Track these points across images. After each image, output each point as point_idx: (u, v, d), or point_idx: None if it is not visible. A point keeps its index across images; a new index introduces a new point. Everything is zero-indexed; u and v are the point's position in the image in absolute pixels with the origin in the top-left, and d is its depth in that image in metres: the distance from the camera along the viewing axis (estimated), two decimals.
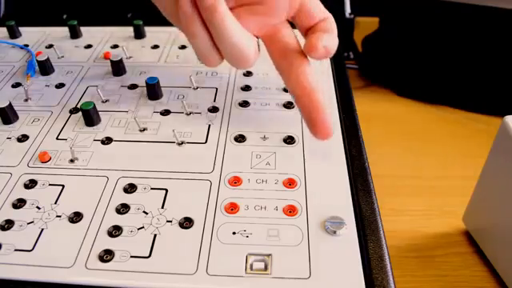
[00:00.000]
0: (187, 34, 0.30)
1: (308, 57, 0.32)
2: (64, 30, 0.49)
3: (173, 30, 0.49)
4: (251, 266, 0.26)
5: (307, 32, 0.33)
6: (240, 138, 0.35)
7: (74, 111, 0.38)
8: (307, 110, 0.31)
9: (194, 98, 0.39)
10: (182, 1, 0.28)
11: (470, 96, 0.57)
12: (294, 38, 0.33)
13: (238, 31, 0.29)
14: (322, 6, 0.33)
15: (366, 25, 0.68)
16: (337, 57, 0.45)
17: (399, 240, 0.41)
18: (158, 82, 0.39)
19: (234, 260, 0.26)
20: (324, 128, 0.31)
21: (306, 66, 0.31)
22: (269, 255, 0.26)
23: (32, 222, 0.29)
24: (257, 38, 0.32)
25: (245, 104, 0.38)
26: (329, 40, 0.31)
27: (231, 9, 0.30)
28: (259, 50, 0.32)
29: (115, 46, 0.47)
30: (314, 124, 0.31)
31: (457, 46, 0.54)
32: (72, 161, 0.33)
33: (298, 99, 0.31)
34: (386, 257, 0.26)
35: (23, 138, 0.35)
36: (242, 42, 0.29)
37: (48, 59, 0.43)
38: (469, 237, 0.41)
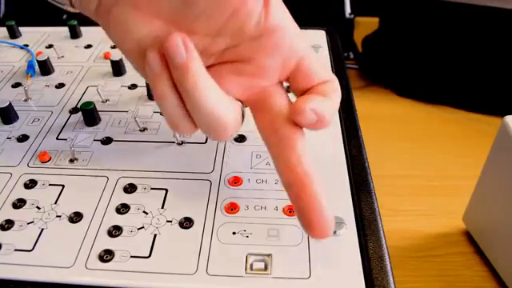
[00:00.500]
0: (154, 94, 0.25)
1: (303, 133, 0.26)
2: (64, 30, 0.49)
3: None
4: (251, 266, 0.26)
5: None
6: (240, 138, 0.35)
7: (73, 111, 0.38)
8: (299, 203, 0.24)
9: None
10: (150, 55, 0.23)
11: (470, 96, 0.57)
12: (287, 106, 0.26)
13: (214, 96, 0.24)
14: (325, 68, 0.27)
15: (366, 25, 0.69)
16: (337, 57, 0.45)
17: (399, 240, 0.41)
18: None
19: (234, 260, 0.26)
20: (320, 228, 0.24)
21: (299, 145, 0.25)
22: (269, 255, 0.26)
23: (32, 222, 0.29)
24: (241, 102, 0.27)
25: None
26: (322, 104, 0.25)
27: (212, 66, 0.26)
28: (243, 118, 0.26)
29: (115, 46, 0.47)
30: (307, 223, 0.24)
31: (457, 46, 0.54)
32: (72, 161, 0.33)
33: (287, 186, 0.25)
34: (386, 257, 0.26)
35: (23, 138, 0.35)
36: (219, 109, 0.24)
37: (48, 59, 0.43)
38: (469, 237, 0.41)
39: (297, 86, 0.27)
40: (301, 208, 0.24)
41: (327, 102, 0.25)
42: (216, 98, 0.24)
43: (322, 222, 0.24)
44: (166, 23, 0.24)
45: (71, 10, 0.28)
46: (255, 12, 0.24)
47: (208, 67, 0.25)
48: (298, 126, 0.26)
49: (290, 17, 0.26)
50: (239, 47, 0.25)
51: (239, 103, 0.26)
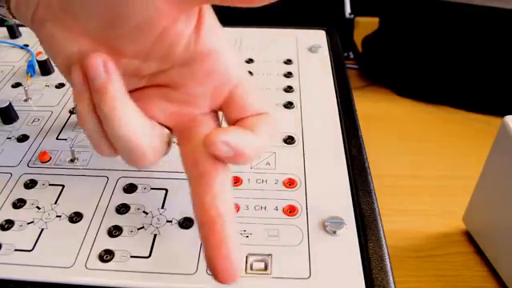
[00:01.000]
0: (77, 110, 0.24)
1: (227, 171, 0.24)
2: None
3: None
4: (251, 265, 0.26)
5: None
6: None
7: (74, 111, 0.38)
8: (207, 245, 0.22)
9: None
10: (74, 73, 0.23)
11: (470, 96, 0.57)
12: None
13: (132, 123, 0.23)
14: (260, 97, 0.25)
15: (366, 25, 0.69)
16: (337, 57, 0.45)
17: (399, 240, 0.41)
18: None
19: None
20: (225, 274, 0.22)
21: (218, 182, 0.23)
22: (269, 255, 0.26)
23: (32, 222, 0.29)
24: (169, 129, 0.26)
25: None
26: (239, 137, 0.23)
27: (143, 88, 0.25)
28: (169, 146, 0.25)
29: None
30: (212, 267, 0.22)
31: (457, 46, 0.54)
32: (72, 161, 0.33)
33: (199, 225, 0.23)
34: (386, 257, 0.26)
35: (23, 138, 0.35)
36: (137, 138, 0.23)
37: (48, 59, 0.43)
38: (469, 237, 0.41)
39: (229, 116, 0.25)
40: (208, 251, 0.22)
41: (249, 136, 0.24)
42: (134, 126, 0.23)
43: (227, 269, 0.22)
44: (95, 43, 0.23)
45: (10, 18, 0.27)
46: (184, 34, 0.22)
47: (139, 89, 0.25)
48: (220, 161, 0.24)
49: (227, 41, 0.24)
50: (170, 72, 0.24)
51: (165, 131, 0.25)
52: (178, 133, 0.26)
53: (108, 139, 0.24)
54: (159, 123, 0.25)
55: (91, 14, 0.22)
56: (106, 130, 0.23)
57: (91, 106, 0.23)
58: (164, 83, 0.25)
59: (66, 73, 0.24)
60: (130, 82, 0.24)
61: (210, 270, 0.22)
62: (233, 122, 0.25)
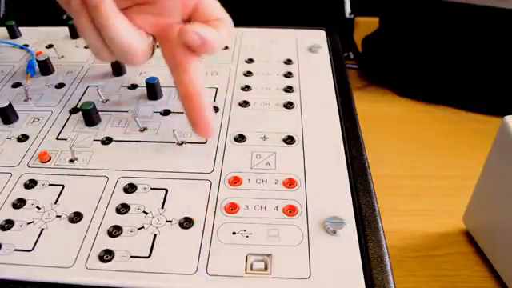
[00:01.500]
0: (77, 28, 0.31)
1: (199, 59, 0.33)
2: (64, 30, 0.49)
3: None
4: (251, 265, 0.26)
5: None
6: (240, 138, 0.35)
7: (73, 111, 0.38)
8: (189, 111, 0.32)
9: None
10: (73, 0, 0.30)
11: (469, 96, 0.57)
12: None
13: (123, 29, 0.30)
14: (220, 8, 0.34)
15: (366, 25, 0.69)
16: (337, 57, 0.45)
17: (399, 240, 0.41)
18: (158, 82, 0.39)
19: (234, 260, 0.26)
20: (204, 128, 0.32)
21: (192, 68, 0.32)
22: (269, 255, 0.26)
23: (32, 222, 0.29)
24: (153, 38, 0.33)
25: (245, 104, 0.38)
26: (206, 31, 0.31)
27: (126, 8, 0.31)
28: (153, 51, 0.33)
29: None
30: (194, 124, 0.32)
31: (457, 46, 0.54)
32: (72, 161, 0.33)
33: (182, 100, 0.32)
34: (386, 257, 0.26)
35: (23, 138, 0.35)
36: (128, 40, 0.30)
37: (48, 59, 0.43)
38: (469, 237, 0.41)
39: (197, 19, 0.33)
40: (190, 115, 0.32)
41: (213, 31, 0.31)
42: (125, 32, 0.30)
43: (205, 123, 0.32)
44: None
45: None
46: None
47: (125, 9, 0.31)
48: (192, 53, 0.32)
49: None
50: None
51: (149, 37, 0.33)
52: (159, 38, 0.34)
53: (107, 46, 0.31)
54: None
55: None
56: (104, 37, 0.30)
57: (90, 22, 0.30)
58: (142, 2, 0.32)
59: (65, 3, 0.31)
60: (119, 3, 0.30)
61: (193, 128, 0.32)
62: None
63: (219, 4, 0.34)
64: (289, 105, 0.38)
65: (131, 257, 0.26)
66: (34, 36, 0.49)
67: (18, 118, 0.37)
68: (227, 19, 0.34)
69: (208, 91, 0.40)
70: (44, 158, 0.33)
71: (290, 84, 0.40)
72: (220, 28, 0.32)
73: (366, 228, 0.28)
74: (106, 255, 0.26)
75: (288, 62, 0.44)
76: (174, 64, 0.33)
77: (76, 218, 0.29)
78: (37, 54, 0.43)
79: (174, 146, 0.34)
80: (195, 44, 0.31)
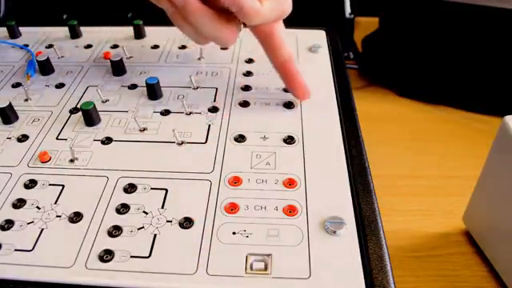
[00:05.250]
0: (176, 24, 0.35)
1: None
2: (64, 30, 0.49)
3: (173, 30, 0.49)
4: (251, 265, 0.26)
5: None
6: (240, 138, 0.35)
7: (73, 111, 0.38)
8: (285, 78, 0.38)
9: (194, 98, 0.39)
10: (163, 4, 0.34)
11: (470, 96, 0.57)
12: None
13: (212, 25, 0.33)
14: None
15: (366, 25, 0.69)
16: (337, 57, 0.45)
17: (399, 240, 0.41)
18: (157, 82, 0.39)
19: (234, 260, 0.26)
20: (303, 92, 0.38)
21: (275, 38, 0.36)
22: (269, 255, 0.26)
23: (32, 222, 0.29)
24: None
25: (245, 104, 0.38)
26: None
27: None
28: (241, 27, 0.36)
29: (115, 46, 0.47)
30: (293, 89, 0.38)
31: (457, 46, 0.54)
32: (72, 161, 0.33)
33: (276, 68, 0.38)
34: (386, 257, 0.26)
35: (23, 138, 0.35)
36: (218, 33, 0.34)
37: (48, 59, 0.43)
38: (469, 237, 0.41)
39: None
40: (287, 81, 0.38)
41: (253, 0, 0.33)
42: (214, 22, 0.33)
43: (302, 87, 0.38)
44: None
45: None
46: None
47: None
48: (271, 25, 0.36)
49: None
50: None
51: (235, 21, 0.35)
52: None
53: (202, 35, 0.35)
54: (228, 12, 0.34)
55: None
56: (196, 30, 0.34)
57: (183, 19, 0.34)
58: None
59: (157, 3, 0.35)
60: None
61: (293, 94, 0.39)
62: None
63: None
64: (289, 105, 0.38)
65: (131, 257, 0.26)
66: (34, 36, 0.49)
67: (17, 117, 0.37)
68: None
69: (208, 91, 0.40)
70: (44, 158, 0.33)
71: None
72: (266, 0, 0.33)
73: (366, 228, 0.28)
74: (106, 255, 0.26)
75: None
76: (259, 37, 0.37)
77: (76, 218, 0.29)
78: (37, 54, 0.43)
79: (174, 145, 0.34)
80: (232, 9, 0.32)
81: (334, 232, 0.27)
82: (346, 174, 0.32)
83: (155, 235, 0.28)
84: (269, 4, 0.34)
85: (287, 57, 0.37)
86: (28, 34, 0.50)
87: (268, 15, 0.34)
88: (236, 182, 0.31)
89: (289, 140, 0.34)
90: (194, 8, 0.33)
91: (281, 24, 0.37)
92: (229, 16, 0.34)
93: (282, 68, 0.37)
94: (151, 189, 0.31)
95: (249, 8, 0.32)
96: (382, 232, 0.28)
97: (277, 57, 0.37)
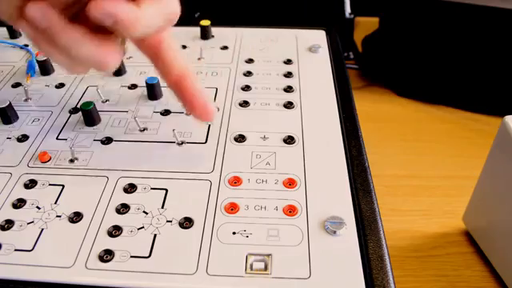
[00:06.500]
0: (40, 49, 0.29)
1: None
2: None
3: (172, 30, 0.49)
4: (251, 266, 0.26)
5: None
6: (240, 138, 0.35)
7: (73, 111, 0.38)
8: (181, 98, 0.32)
9: None
10: (20, 26, 0.27)
11: (469, 96, 0.57)
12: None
13: (87, 44, 0.27)
14: None
15: (366, 25, 0.69)
16: (337, 57, 0.45)
17: (399, 240, 0.41)
18: (158, 82, 0.39)
19: (234, 260, 0.26)
20: (207, 112, 0.32)
21: (164, 50, 0.31)
22: (269, 255, 0.26)
23: (32, 222, 0.29)
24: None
25: (245, 104, 0.38)
26: (117, 6, 0.25)
27: (80, 10, 0.27)
28: (125, 46, 0.30)
29: None
30: (194, 111, 0.32)
31: (457, 46, 0.54)
32: (72, 161, 0.33)
33: (170, 87, 0.32)
34: (386, 257, 0.26)
35: (23, 138, 0.35)
36: (94, 54, 0.27)
37: (48, 59, 0.43)
38: (469, 237, 0.41)
39: None
40: (183, 102, 0.32)
41: (128, 6, 0.26)
42: (88, 44, 0.27)
43: (207, 111, 0.32)
44: None
45: None
46: None
47: (78, 13, 0.27)
48: (156, 37, 0.30)
49: None
50: None
51: (116, 40, 0.29)
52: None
53: (77, 61, 0.28)
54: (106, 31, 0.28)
55: None
56: (69, 55, 0.27)
57: (50, 44, 0.27)
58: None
59: (13, 23, 0.28)
60: (68, 11, 0.27)
61: (195, 116, 0.32)
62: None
63: None
64: (289, 105, 0.38)
65: (131, 257, 0.26)
66: None
67: (18, 117, 0.37)
68: None
69: (208, 91, 0.40)
70: (44, 158, 0.33)
71: (290, 84, 0.40)
72: (145, 3, 0.27)
73: (366, 228, 0.28)
74: (106, 255, 0.26)
75: (288, 62, 0.44)
76: (146, 53, 0.31)
77: (76, 217, 0.29)
78: (37, 54, 0.43)
79: (174, 145, 0.34)
80: (107, 22, 0.26)
81: (334, 232, 0.27)
82: (346, 174, 0.32)
83: (155, 235, 0.28)
84: (149, 9, 0.27)
85: (181, 72, 0.31)
86: None
87: (151, 22, 0.28)
88: (236, 182, 0.31)
89: (289, 140, 0.34)
90: (60, 28, 0.26)
91: (169, 33, 0.31)
92: (106, 33, 0.28)
93: (176, 87, 0.31)
94: (151, 189, 0.31)
95: (124, 17, 0.26)
96: (382, 232, 0.28)
97: (168, 73, 0.31)
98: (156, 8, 0.28)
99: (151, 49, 0.31)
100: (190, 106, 0.32)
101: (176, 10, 0.29)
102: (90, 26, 0.27)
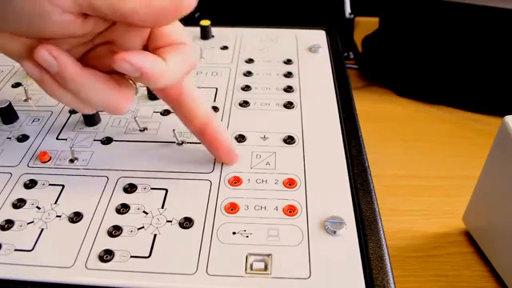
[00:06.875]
0: (47, 93, 0.28)
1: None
2: None
3: None
4: (251, 266, 0.26)
5: None
6: (240, 138, 0.35)
7: (74, 111, 0.38)
8: (207, 144, 0.32)
9: None
10: (27, 67, 0.26)
11: (469, 96, 0.57)
12: None
13: (98, 87, 0.27)
14: (179, 31, 0.28)
15: (366, 25, 0.69)
16: (337, 57, 0.45)
17: (399, 240, 0.41)
18: None
19: (234, 260, 0.26)
20: (232, 157, 0.32)
21: (184, 97, 0.30)
22: (269, 255, 0.26)
23: (32, 222, 0.29)
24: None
25: (245, 104, 0.38)
26: (143, 59, 0.25)
27: (91, 50, 0.28)
28: (136, 90, 0.30)
29: None
30: (220, 157, 0.32)
31: (457, 46, 0.54)
32: (72, 161, 0.33)
33: (194, 134, 0.32)
34: (386, 257, 0.26)
35: (23, 138, 0.35)
36: (106, 97, 0.27)
37: None
38: (469, 237, 0.41)
39: (150, 45, 0.28)
40: (209, 147, 0.32)
41: (154, 59, 0.26)
42: (101, 88, 0.27)
43: (232, 156, 0.32)
44: (33, 39, 0.26)
45: None
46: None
47: (89, 51, 0.28)
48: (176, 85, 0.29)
49: None
50: (105, 33, 0.27)
51: (128, 82, 0.28)
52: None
53: (87, 104, 0.28)
54: (119, 73, 0.27)
55: (20, 31, 0.25)
56: (79, 99, 0.27)
57: (58, 86, 0.27)
58: (102, 42, 0.28)
59: (18, 61, 0.27)
60: (79, 50, 0.27)
61: (218, 160, 0.32)
62: (152, 52, 0.27)
63: (180, 26, 0.28)
64: (289, 105, 0.38)
65: (131, 257, 0.26)
66: None
67: (18, 117, 0.37)
68: (185, 45, 0.28)
69: (208, 91, 0.40)
70: (44, 158, 0.33)
71: (290, 84, 0.40)
72: (169, 55, 0.27)
73: (366, 228, 0.28)
74: (106, 255, 0.26)
75: (288, 62, 0.44)
76: (166, 101, 0.31)
77: (76, 217, 0.29)
78: None
79: (174, 145, 0.34)
80: (132, 75, 0.26)
81: (334, 232, 0.27)
82: (346, 173, 0.32)
83: (155, 235, 0.28)
84: (174, 61, 0.27)
85: (203, 120, 0.30)
86: None
87: (176, 74, 0.27)
88: (236, 182, 0.31)
89: (289, 140, 0.34)
90: (73, 73, 0.26)
91: (188, 80, 0.30)
92: (119, 77, 0.28)
93: (200, 134, 0.31)
94: (151, 189, 0.31)
95: (151, 71, 0.25)
96: (382, 232, 0.28)
97: (190, 121, 0.31)
98: (180, 59, 0.27)
99: (171, 97, 0.30)
100: (215, 151, 0.32)
101: (195, 59, 0.29)
102: (98, 65, 0.27)
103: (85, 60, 0.28)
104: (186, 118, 0.31)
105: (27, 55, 0.26)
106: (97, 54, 0.28)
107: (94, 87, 0.27)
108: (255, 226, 0.28)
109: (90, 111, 0.30)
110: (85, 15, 0.25)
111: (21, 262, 0.26)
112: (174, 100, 0.30)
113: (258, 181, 0.31)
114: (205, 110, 0.31)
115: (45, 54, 0.25)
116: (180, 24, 0.28)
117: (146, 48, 0.28)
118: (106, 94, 0.27)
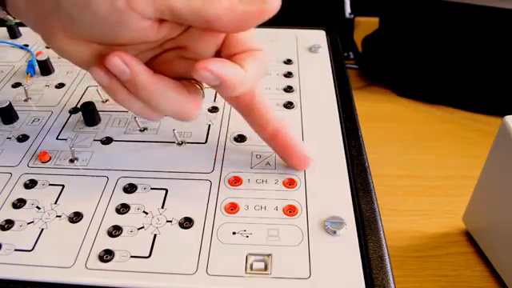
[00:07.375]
0: (115, 101, 0.28)
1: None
2: None
3: None
4: (251, 265, 0.26)
5: None
6: (240, 138, 0.35)
7: (73, 111, 0.38)
8: (279, 150, 0.31)
9: None
10: (94, 73, 0.26)
11: (470, 96, 0.57)
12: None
13: (169, 95, 0.26)
14: (252, 37, 0.27)
15: (366, 25, 0.69)
16: (337, 57, 0.45)
17: (399, 240, 0.41)
18: None
19: (234, 260, 0.26)
20: (304, 162, 0.31)
21: (256, 104, 0.29)
22: (269, 255, 0.26)
23: (32, 221, 0.29)
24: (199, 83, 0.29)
25: None
26: (223, 67, 0.25)
27: (158, 55, 0.28)
28: (203, 92, 0.29)
29: None
30: (291, 163, 0.31)
31: (457, 46, 0.54)
32: (72, 161, 0.33)
33: (266, 142, 0.31)
34: (386, 257, 0.26)
35: (23, 138, 0.35)
36: (177, 104, 0.27)
37: (48, 59, 0.43)
38: (469, 237, 0.41)
39: (224, 52, 0.27)
40: (282, 154, 0.31)
41: (233, 67, 0.26)
42: (172, 96, 0.27)
43: (305, 161, 0.31)
44: (104, 45, 0.26)
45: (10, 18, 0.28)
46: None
47: (155, 57, 0.28)
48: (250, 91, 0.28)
49: None
50: (176, 39, 0.27)
51: (196, 87, 0.28)
52: None
53: (157, 111, 0.28)
54: (186, 78, 0.28)
55: (94, 37, 0.25)
56: (149, 106, 0.27)
57: (128, 94, 0.26)
58: (172, 47, 0.27)
59: (85, 68, 0.27)
60: (147, 55, 0.27)
61: (290, 166, 0.31)
62: (227, 58, 0.27)
63: (253, 31, 0.27)
64: (289, 105, 0.38)
65: (131, 257, 0.26)
66: (34, 36, 0.49)
67: (18, 117, 0.37)
68: (259, 51, 0.27)
69: (208, 91, 0.40)
70: (44, 158, 0.33)
71: (290, 84, 0.40)
72: (246, 62, 0.26)
73: (366, 228, 0.28)
74: (106, 255, 0.26)
75: (288, 62, 0.44)
76: (239, 107, 0.30)
77: (76, 217, 0.29)
78: (37, 54, 0.43)
79: (174, 145, 0.34)
80: (211, 83, 0.25)
81: (334, 232, 0.27)
82: (346, 174, 0.32)
83: (155, 235, 0.28)
84: (253, 68, 0.26)
85: (276, 126, 0.30)
86: (28, 33, 0.50)
87: (253, 82, 0.27)
88: (236, 182, 0.31)
89: None
90: (145, 81, 0.25)
91: (260, 86, 0.30)
92: (189, 84, 0.28)
93: (272, 140, 0.31)
94: (151, 189, 0.31)
95: (232, 80, 0.25)
96: (382, 232, 0.28)
97: (263, 128, 0.30)
98: (256, 66, 0.27)
99: (243, 104, 0.30)
100: (287, 156, 0.31)
101: (267, 64, 0.28)
102: (165, 70, 0.27)
103: (151, 65, 0.27)
104: (258, 124, 0.30)
105: (96, 61, 0.26)
106: (164, 59, 0.28)
107: (165, 95, 0.26)
108: (255, 225, 0.28)
109: (158, 118, 0.29)
110: (161, 21, 0.24)
111: (21, 262, 0.26)
112: (245, 106, 0.30)
113: (258, 181, 0.31)
114: (276, 116, 0.30)
115: (118, 61, 0.25)
116: (253, 29, 0.26)
117: (218, 54, 0.27)
118: (177, 101, 0.27)
